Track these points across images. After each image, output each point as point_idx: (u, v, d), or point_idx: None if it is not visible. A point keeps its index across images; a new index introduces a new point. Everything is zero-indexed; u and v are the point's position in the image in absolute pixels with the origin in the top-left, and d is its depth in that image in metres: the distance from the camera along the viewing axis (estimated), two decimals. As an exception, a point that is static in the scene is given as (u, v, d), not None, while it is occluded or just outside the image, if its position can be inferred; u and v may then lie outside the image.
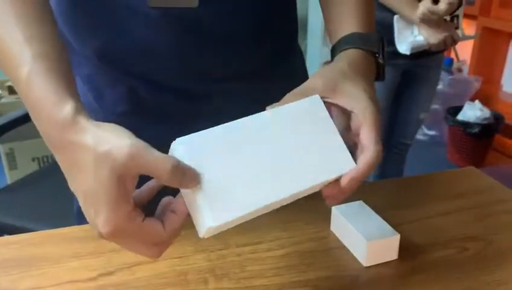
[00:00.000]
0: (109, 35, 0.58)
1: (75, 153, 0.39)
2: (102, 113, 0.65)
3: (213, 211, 0.40)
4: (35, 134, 0.46)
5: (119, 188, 0.38)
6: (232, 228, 0.44)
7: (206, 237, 0.42)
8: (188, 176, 0.40)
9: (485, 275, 0.57)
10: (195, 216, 0.42)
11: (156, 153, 0.38)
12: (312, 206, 0.69)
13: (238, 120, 0.44)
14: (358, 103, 0.47)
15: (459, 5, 1.64)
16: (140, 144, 0.38)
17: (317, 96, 0.48)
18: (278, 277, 0.57)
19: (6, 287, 0.55)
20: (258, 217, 0.45)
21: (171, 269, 0.58)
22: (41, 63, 0.42)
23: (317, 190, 0.47)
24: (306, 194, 0.47)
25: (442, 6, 1.56)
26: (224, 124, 0.44)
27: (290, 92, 0.50)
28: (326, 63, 0.57)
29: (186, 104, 0.63)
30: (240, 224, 0.44)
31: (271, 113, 0.46)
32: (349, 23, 0.57)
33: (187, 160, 0.41)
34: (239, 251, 0.61)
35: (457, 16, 1.74)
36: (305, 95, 0.48)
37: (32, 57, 0.43)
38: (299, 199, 0.47)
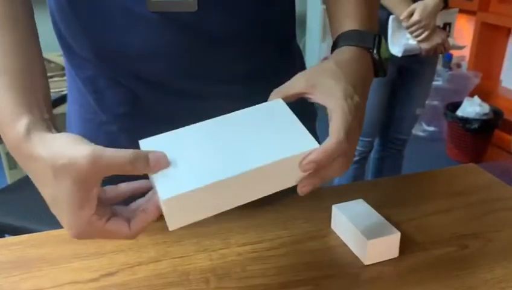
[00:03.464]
0: (108, 38, 0.58)
1: (33, 165, 0.41)
2: (103, 115, 0.65)
3: (165, 185, 0.41)
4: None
5: (80, 196, 0.40)
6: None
7: (173, 229, 0.43)
8: (153, 158, 0.41)
9: (485, 273, 0.58)
10: (161, 205, 0.43)
11: (113, 151, 0.40)
12: (312, 205, 0.69)
13: (201, 122, 0.47)
14: (332, 100, 0.49)
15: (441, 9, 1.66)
16: (97, 147, 0.40)
17: (279, 100, 0.50)
18: (279, 276, 0.57)
19: (7, 288, 0.55)
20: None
21: (172, 269, 0.58)
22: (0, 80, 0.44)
23: (286, 184, 0.47)
24: (275, 189, 0.47)
25: (415, 18, 1.60)
26: (187, 126, 0.46)
27: (274, 90, 0.51)
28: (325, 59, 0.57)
29: (187, 105, 0.63)
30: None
31: (234, 114, 0.49)
32: (348, 22, 0.58)
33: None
34: (240, 250, 0.61)
35: (450, 24, 1.75)
36: (288, 92, 0.51)
37: None
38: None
